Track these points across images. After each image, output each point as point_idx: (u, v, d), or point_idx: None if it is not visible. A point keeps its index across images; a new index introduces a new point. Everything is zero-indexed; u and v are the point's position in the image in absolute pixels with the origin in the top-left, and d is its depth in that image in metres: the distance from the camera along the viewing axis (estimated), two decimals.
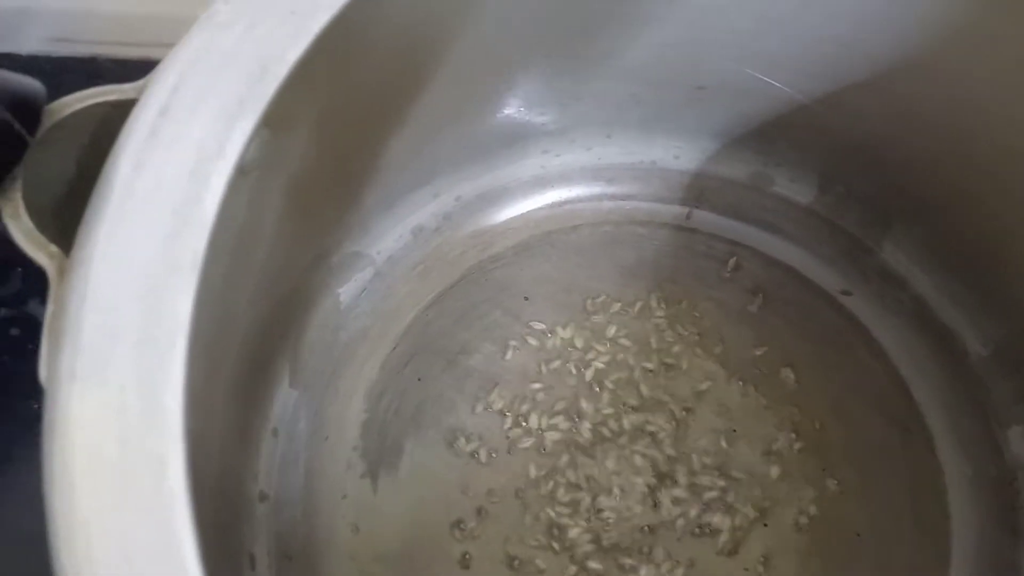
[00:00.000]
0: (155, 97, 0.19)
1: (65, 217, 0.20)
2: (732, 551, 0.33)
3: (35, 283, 0.40)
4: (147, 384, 0.17)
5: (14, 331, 0.39)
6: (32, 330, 0.39)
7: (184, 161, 0.19)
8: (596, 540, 0.33)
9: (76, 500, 0.17)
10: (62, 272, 0.19)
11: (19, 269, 0.40)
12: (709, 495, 0.34)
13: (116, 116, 0.20)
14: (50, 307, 0.19)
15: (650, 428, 0.35)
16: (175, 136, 0.19)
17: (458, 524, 0.34)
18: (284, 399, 0.34)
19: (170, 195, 0.18)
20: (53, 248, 0.19)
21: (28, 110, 0.20)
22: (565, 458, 0.35)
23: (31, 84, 0.20)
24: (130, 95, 0.20)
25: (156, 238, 0.18)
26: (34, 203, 0.20)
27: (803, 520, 0.34)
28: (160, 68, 0.19)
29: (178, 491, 0.17)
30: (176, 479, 0.17)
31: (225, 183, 0.19)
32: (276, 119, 0.21)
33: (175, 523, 0.17)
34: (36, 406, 0.37)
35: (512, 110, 0.36)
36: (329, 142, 0.29)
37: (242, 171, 0.20)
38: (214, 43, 0.20)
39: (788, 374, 0.37)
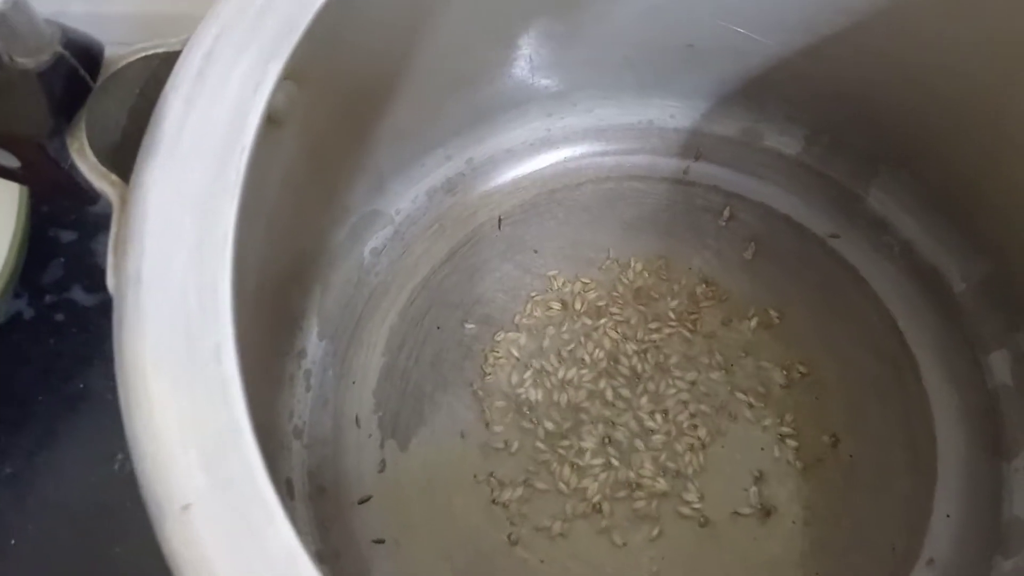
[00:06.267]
0: (200, 44, 0.22)
1: (121, 153, 0.22)
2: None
3: (75, 271, 0.42)
4: (204, 284, 0.20)
5: (58, 316, 0.41)
6: (74, 315, 0.41)
7: (227, 96, 0.21)
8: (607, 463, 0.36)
9: (147, 383, 0.19)
10: (123, 199, 0.22)
11: (61, 259, 0.42)
12: (711, 424, 0.37)
13: (163, 67, 0.23)
14: (114, 228, 0.21)
15: (654, 367, 0.38)
16: (219, 76, 0.22)
17: (477, 455, 0.36)
18: (314, 348, 0.37)
19: (216, 125, 0.21)
20: (114, 178, 0.22)
21: (90, 59, 0.22)
22: (582, 393, 0.37)
23: (92, 38, 0.23)
24: (176, 48, 0.23)
25: (205, 161, 0.21)
26: (95, 142, 0.23)
27: (799, 446, 0.36)
28: (204, 20, 0.22)
29: (232, 375, 0.20)
30: (230, 365, 0.20)
31: (261, 115, 0.21)
32: (301, 71, 0.24)
33: (232, 401, 0.19)
34: (81, 385, 0.40)
35: (516, 75, 0.38)
36: (347, 103, 0.31)
37: (272, 121, 0.23)
38: None
39: (782, 316, 0.39)
